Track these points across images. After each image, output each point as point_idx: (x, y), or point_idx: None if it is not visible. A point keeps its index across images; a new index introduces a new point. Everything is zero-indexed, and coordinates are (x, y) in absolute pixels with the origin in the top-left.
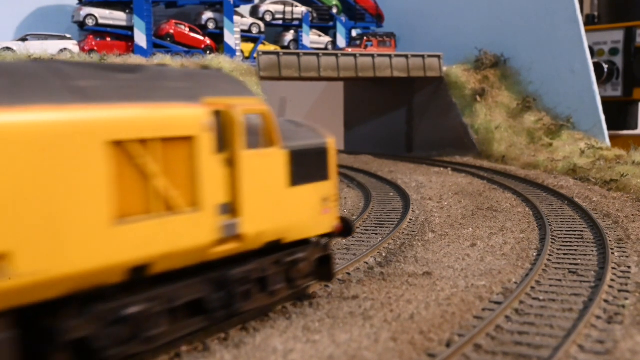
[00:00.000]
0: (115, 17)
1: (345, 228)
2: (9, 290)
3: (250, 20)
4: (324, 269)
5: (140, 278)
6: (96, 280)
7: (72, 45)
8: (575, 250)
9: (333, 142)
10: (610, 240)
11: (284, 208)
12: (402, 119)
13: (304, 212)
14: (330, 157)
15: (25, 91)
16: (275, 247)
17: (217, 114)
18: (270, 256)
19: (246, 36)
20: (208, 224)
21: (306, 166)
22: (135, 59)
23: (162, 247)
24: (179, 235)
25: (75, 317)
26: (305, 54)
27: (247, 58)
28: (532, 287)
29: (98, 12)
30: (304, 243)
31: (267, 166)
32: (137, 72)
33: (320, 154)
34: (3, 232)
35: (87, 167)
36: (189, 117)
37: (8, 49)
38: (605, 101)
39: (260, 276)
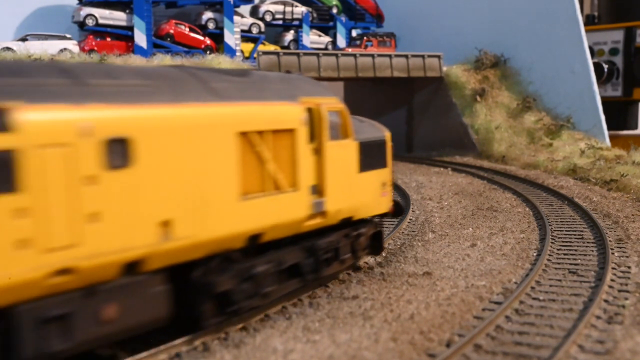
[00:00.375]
0: (115, 17)
1: (397, 209)
2: (170, 250)
3: (250, 20)
4: (375, 243)
5: (254, 245)
6: (227, 245)
7: (72, 45)
8: (575, 250)
9: (389, 135)
10: (610, 240)
11: (355, 190)
12: (402, 119)
13: (369, 194)
14: (388, 148)
15: (179, 92)
16: (345, 223)
17: (309, 110)
18: (341, 230)
19: (246, 36)
20: (303, 202)
21: (371, 155)
22: (135, 59)
23: (272, 220)
24: (284, 210)
25: (221, 274)
26: (305, 54)
27: (247, 58)
28: (532, 287)
29: (98, 12)
30: (362, 220)
31: (343, 155)
32: (246, 76)
33: (380, 145)
34: (169, 203)
35: (223, 153)
36: (292, 113)
37: (8, 49)
38: (605, 101)
39: (336, 247)
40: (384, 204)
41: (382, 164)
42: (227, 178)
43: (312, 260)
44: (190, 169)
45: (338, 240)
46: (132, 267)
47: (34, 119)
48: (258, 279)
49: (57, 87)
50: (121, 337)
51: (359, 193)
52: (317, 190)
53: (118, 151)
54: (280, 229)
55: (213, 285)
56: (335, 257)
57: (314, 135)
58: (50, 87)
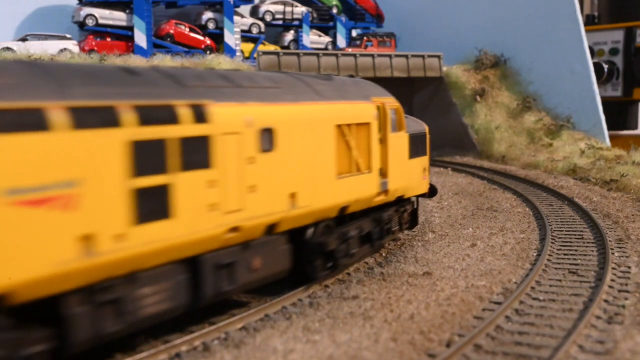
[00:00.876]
0: (115, 17)
1: (432, 191)
2: (294, 216)
3: (250, 20)
4: (412, 219)
5: (342, 215)
6: (327, 214)
7: (72, 45)
8: (575, 250)
9: (427, 128)
10: (610, 240)
11: (406, 173)
12: None
13: (415, 177)
14: (427, 139)
15: (298, 93)
16: (395, 201)
17: (377, 108)
18: (393, 207)
19: (246, 36)
20: (375, 182)
21: (416, 145)
22: (135, 59)
23: (355, 195)
24: (363, 188)
25: (329, 236)
26: (305, 54)
27: (247, 58)
28: (532, 287)
29: (98, 12)
30: (406, 199)
31: (400, 144)
32: (331, 80)
33: (423, 137)
34: (295, 179)
35: (326, 141)
36: (368, 110)
37: (8, 49)
38: (605, 101)
39: (391, 219)
40: (424, 186)
41: (423, 152)
42: (329, 161)
43: (379, 229)
44: (307, 152)
45: (392, 214)
46: (271, 229)
47: (220, 113)
48: (350, 242)
49: (226, 89)
50: (260, 284)
51: (409, 176)
52: (383, 172)
53: (267, 138)
54: (360, 203)
55: (325, 245)
56: (390, 228)
57: (380, 127)
58: (222, 89)
